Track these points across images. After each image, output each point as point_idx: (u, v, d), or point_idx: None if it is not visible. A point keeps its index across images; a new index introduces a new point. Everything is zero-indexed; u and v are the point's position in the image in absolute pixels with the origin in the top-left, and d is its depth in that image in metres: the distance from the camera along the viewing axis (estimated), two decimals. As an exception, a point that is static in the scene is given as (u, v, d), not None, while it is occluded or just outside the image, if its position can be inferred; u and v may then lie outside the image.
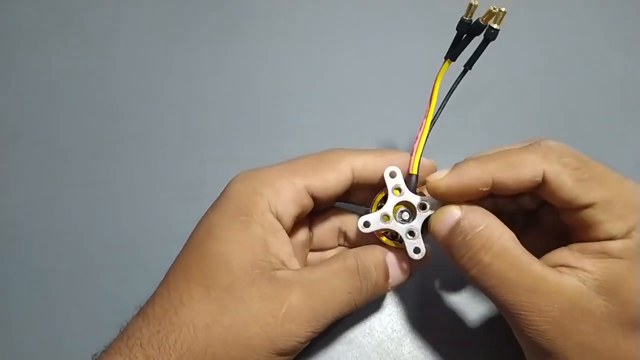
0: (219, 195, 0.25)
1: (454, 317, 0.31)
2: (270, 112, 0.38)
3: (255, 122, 0.38)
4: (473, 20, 0.24)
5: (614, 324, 0.20)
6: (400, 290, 0.31)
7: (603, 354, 0.21)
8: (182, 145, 0.37)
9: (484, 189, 0.22)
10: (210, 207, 0.25)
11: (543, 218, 0.26)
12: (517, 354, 0.28)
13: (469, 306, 0.31)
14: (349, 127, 0.37)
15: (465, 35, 0.24)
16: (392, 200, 0.25)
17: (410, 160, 0.26)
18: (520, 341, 0.23)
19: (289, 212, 0.24)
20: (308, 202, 0.25)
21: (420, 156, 0.25)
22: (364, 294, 0.24)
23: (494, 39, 0.24)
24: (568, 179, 0.21)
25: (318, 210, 0.27)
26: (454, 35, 0.24)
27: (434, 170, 0.26)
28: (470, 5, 0.23)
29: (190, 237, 0.25)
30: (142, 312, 0.23)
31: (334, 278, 0.24)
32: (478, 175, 0.22)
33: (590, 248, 0.21)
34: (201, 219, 0.25)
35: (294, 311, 0.22)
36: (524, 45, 0.40)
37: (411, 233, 0.25)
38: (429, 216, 0.25)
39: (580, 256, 0.21)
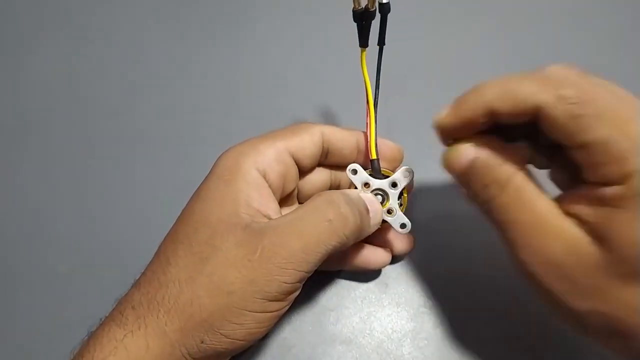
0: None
1: (454, 318, 0.31)
2: (268, 110, 0.39)
3: (254, 121, 0.38)
4: (362, 7, 0.25)
5: (611, 274, 0.19)
6: (400, 291, 0.32)
7: (597, 301, 0.20)
8: (181, 144, 0.38)
9: (483, 120, 0.22)
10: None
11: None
12: (518, 355, 0.29)
13: (469, 306, 0.31)
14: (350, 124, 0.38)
15: (363, 23, 0.26)
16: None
17: (367, 146, 0.28)
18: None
19: (274, 168, 0.25)
20: (290, 162, 0.26)
21: (376, 140, 0.27)
22: (351, 220, 0.24)
23: (389, 11, 0.25)
24: (561, 115, 0.19)
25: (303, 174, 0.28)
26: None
27: (395, 148, 0.28)
28: (353, -4, 0.25)
29: None
30: (135, 282, 0.24)
31: (308, 213, 0.24)
32: (476, 106, 0.22)
33: (589, 194, 0.20)
34: None
35: (268, 252, 0.22)
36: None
37: (390, 211, 0.27)
38: (402, 190, 0.27)
39: (579, 201, 0.20)
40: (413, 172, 0.27)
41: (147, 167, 0.37)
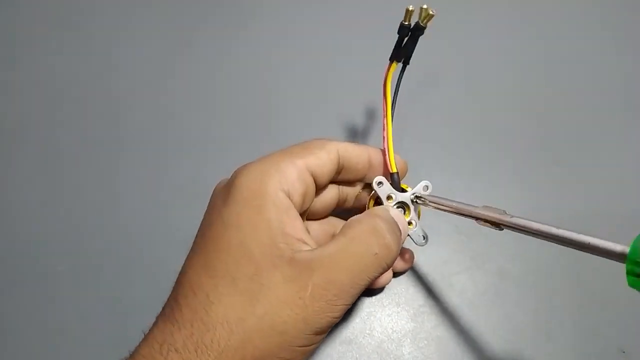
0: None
1: (454, 318, 0.31)
2: (269, 111, 0.38)
3: (255, 122, 0.38)
4: (412, 24, 0.25)
5: None
6: (400, 291, 0.32)
7: None
8: (183, 145, 0.37)
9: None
10: (220, 201, 0.25)
11: None
12: (517, 355, 0.31)
13: (469, 307, 0.32)
14: (348, 128, 0.38)
15: (407, 38, 0.25)
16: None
17: (386, 160, 0.28)
18: None
19: (297, 189, 0.25)
20: (310, 181, 0.26)
21: (393, 153, 0.28)
22: (394, 250, 0.24)
23: (421, 34, 0.26)
24: None
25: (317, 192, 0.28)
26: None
27: (402, 161, 0.29)
28: (407, 10, 0.24)
29: (202, 233, 0.24)
30: (168, 316, 0.23)
31: (353, 245, 0.23)
32: None
33: None
34: (210, 214, 0.25)
35: (319, 289, 0.22)
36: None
37: (409, 223, 0.28)
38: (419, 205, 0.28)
39: None
40: (430, 186, 0.28)
41: (147, 167, 0.37)
